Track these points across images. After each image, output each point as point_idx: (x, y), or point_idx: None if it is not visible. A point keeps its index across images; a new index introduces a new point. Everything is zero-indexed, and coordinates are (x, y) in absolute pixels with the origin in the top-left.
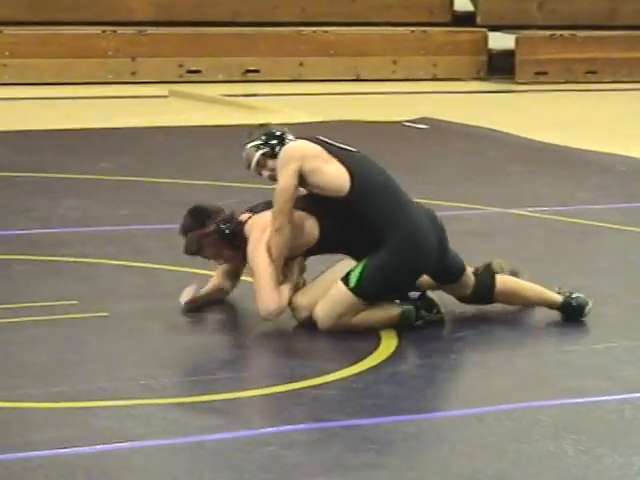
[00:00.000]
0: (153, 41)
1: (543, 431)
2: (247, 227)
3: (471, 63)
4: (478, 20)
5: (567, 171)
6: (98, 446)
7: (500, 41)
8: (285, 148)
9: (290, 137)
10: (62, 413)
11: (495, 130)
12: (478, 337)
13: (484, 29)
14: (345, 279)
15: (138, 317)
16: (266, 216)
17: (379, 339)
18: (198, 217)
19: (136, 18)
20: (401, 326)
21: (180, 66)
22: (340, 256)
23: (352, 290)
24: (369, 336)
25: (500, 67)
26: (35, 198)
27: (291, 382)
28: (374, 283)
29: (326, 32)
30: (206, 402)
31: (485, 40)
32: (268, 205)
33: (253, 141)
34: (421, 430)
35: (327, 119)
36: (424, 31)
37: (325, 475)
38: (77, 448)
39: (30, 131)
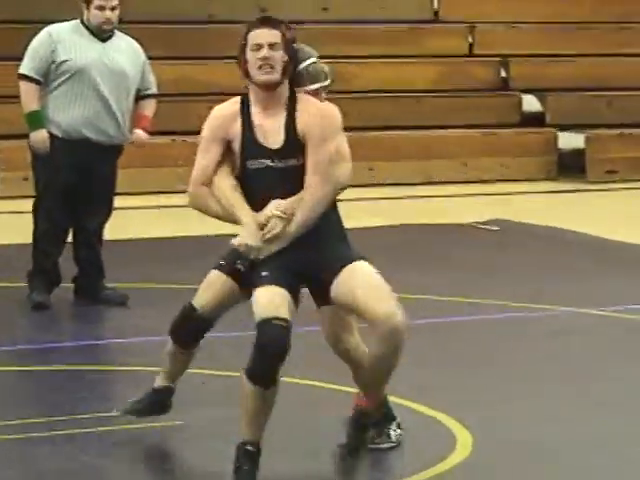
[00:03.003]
0: None
1: None
2: None
3: (541, 163)
4: (547, 119)
5: None
6: None
7: (570, 140)
8: (336, 111)
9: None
10: None
11: (567, 230)
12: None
13: (553, 129)
14: (362, 268)
15: (216, 425)
16: None
17: (454, 440)
18: None
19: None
20: None
21: None
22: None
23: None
24: (444, 437)
25: (571, 166)
26: (110, 308)
27: None
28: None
29: (394, 135)
30: None
31: (555, 140)
32: None
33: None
34: None
35: (400, 222)
36: (493, 133)
37: None
38: None
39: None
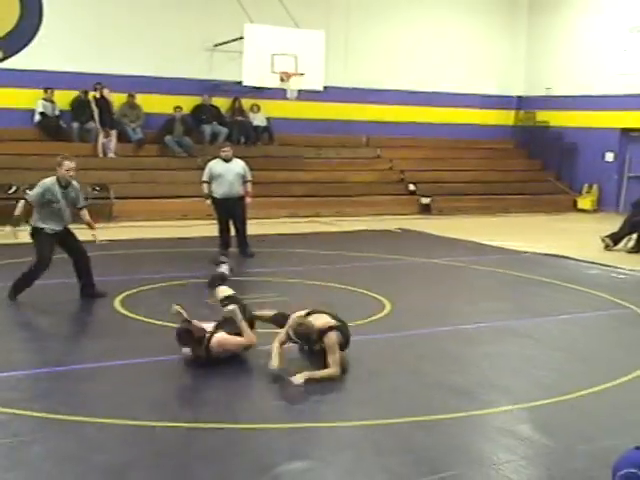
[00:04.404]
0: None
1: None
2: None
3: (414, 208)
4: (416, 192)
5: (461, 246)
6: None
7: (424, 200)
8: None
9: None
10: None
11: (424, 232)
12: None
13: (419, 196)
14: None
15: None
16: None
17: (384, 305)
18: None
19: None
20: None
21: None
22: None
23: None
24: (378, 304)
25: (424, 210)
26: (248, 258)
27: None
28: None
29: (360, 199)
30: None
31: (419, 200)
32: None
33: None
34: None
35: (360, 228)
36: (398, 199)
37: None
38: None
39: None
